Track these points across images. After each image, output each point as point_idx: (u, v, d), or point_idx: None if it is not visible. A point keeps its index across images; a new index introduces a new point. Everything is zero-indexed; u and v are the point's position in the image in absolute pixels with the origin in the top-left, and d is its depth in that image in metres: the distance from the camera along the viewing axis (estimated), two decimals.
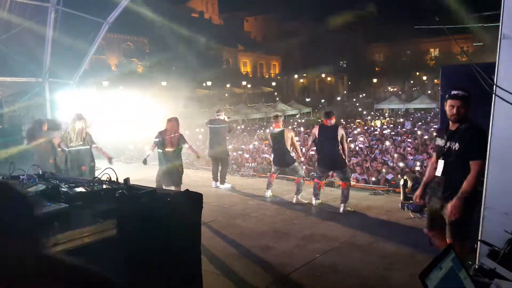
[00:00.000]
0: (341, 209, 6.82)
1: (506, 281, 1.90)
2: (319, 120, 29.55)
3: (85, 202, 2.54)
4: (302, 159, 8.99)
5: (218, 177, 9.01)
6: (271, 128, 8.12)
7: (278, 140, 7.74)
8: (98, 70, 30.25)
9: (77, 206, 2.46)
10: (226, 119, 9.32)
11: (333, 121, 7.10)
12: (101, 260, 2.43)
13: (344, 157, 7.06)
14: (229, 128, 9.33)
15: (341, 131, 7.01)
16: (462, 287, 1.64)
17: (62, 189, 2.73)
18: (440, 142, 3.60)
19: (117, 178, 3.01)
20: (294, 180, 9.59)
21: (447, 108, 3.44)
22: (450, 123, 3.50)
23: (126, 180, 2.85)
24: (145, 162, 7.35)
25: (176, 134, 7.12)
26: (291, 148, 7.92)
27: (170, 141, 7.11)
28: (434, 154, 3.86)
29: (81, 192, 2.64)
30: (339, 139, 6.86)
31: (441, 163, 3.55)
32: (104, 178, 3.08)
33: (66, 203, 2.40)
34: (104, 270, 2.38)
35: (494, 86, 2.86)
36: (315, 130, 7.34)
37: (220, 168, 9.02)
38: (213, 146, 8.98)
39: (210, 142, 9.08)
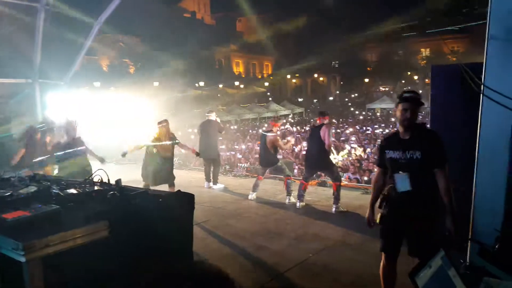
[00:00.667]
0: (333, 210, 6.84)
1: (496, 279, 1.93)
2: (311, 120, 29.70)
3: (76, 203, 2.53)
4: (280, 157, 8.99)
5: (211, 178, 9.00)
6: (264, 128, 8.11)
7: (262, 141, 7.71)
8: (90, 70, 30.05)
9: (69, 207, 2.45)
10: (218, 119, 9.30)
11: (326, 121, 7.03)
12: (93, 261, 2.43)
13: (329, 156, 7.06)
14: (220, 128, 9.30)
15: (324, 129, 6.83)
16: (451, 285, 1.67)
17: (54, 190, 2.72)
18: (393, 154, 3.19)
19: (108, 180, 3.00)
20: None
21: (398, 112, 3.12)
22: (400, 131, 3.18)
23: (118, 181, 2.85)
24: (124, 155, 7.53)
25: (168, 137, 7.11)
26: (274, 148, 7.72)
27: (162, 146, 7.10)
28: (378, 170, 3.52)
29: (72, 193, 2.64)
30: (322, 138, 6.79)
31: (399, 177, 3.13)
32: (96, 179, 3.08)
33: (57, 204, 2.39)
34: (97, 270, 2.38)
35: (482, 86, 2.90)
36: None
37: (212, 168, 9.02)
38: (204, 146, 8.96)
39: (201, 142, 9.06)
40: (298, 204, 7.19)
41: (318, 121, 7.15)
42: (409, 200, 3.12)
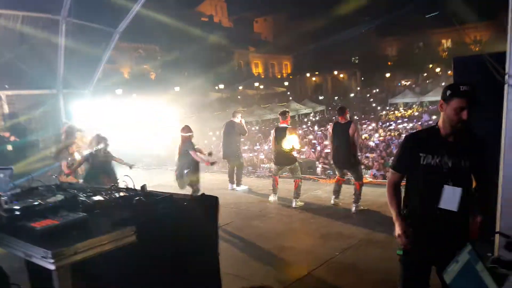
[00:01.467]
0: (353, 209, 6.70)
1: None
2: (333, 118, 29.46)
3: (103, 210, 2.59)
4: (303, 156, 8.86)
5: (234, 179, 9.04)
6: (277, 124, 7.78)
7: (280, 138, 7.38)
8: (111, 78, 30.62)
9: (96, 214, 2.51)
10: (243, 121, 9.28)
11: (347, 116, 6.92)
12: (121, 267, 2.48)
13: (356, 155, 6.91)
14: (242, 131, 9.28)
15: (353, 127, 6.74)
16: (479, 279, 1.63)
17: (80, 198, 2.79)
18: (432, 160, 2.50)
19: (134, 185, 3.05)
20: (309, 180, 9.62)
21: (451, 111, 2.37)
22: (444, 131, 2.48)
23: (143, 186, 2.89)
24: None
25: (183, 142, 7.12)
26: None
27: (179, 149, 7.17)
28: (396, 176, 2.69)
29: (99, 200, 2.69)
30: (351, 136, 6.68)
31: (450, 191, 2.46)
32: (121, 185, 3.14)
33: (84, 212, 2.45)
34: (125, 276, 2.42)
35: (506, 76, 2.83)
36: (330, 129, 7.31)
37: (236, 170, 9.06)
38: (226, 148, 9.04)
39: (223, 144, 9.13)
40: (332, 200, 7.13)
41: (340, 119, 6.95)
42: (449, 222, 2.46)
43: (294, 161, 7.45)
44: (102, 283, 2.28)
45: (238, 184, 9.01)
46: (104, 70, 11.30)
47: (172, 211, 2.59)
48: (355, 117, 30.79)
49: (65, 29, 9.07)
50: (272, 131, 7.65)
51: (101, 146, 6.44)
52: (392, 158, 12.42)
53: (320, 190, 8.34)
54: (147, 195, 2.74)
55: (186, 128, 7.15)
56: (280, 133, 7.35)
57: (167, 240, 2.42)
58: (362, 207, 6.73)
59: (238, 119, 9.08)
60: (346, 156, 6.78)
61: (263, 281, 4.29)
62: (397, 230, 2.65)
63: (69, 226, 2.24)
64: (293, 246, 5.27)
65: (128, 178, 3.11)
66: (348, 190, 8.09)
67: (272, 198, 7.62)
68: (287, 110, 8.06)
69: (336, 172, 7.35)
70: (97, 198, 2.74)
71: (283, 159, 7.40)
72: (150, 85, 32.52)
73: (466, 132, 2.46)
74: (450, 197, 2.44)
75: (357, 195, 6.74)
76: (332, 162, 7.53)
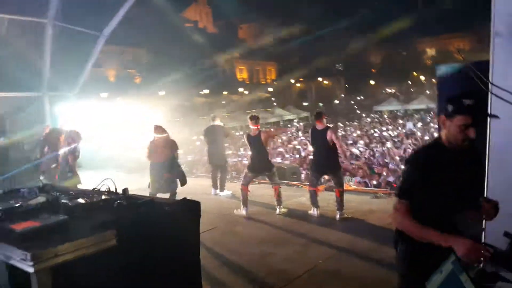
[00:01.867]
0: (337, 217, 6.63)
1: (510, 283, 1.89)
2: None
3: (84, 213, 2.54)
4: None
5: (218, 184, 8.99)
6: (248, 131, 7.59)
7: (256, 143, 7.19)
8: (97, 82, 30.32)
9: (77, 217, 2.46)
10: (222, 124, 9.22)
11: (324, 121, 6.84)
12: (102, 270, 2.43)
13: (338, 159, 6.85)
14: (226, 133, 9.28)
15: (329, 133, 6.61)
16: None
17: (62, 200, 2.73)
18: (442, 179, 2.19)
19: (116, 189, 3.01)
20: (293, 186, 9.62)
21: (455, 128, 2.11)
22: (450, 147, 2.19)
23: (125, 190, 2.85)
24: None
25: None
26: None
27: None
28: (405, 206, 2.19)
29: (80, 203, 2.64)
30: (329, 141, 6.60)
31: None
32: (103, 188, 3.09)
33: (66, 214, 2.40)
34: (106, 279, 2.37)
35: (490, 84, 2.87)
36: (310, 135, 7.25)
37: (219, 175, 9.00)
38: (212, 153, 8.97)
39: (209, 149, 9.06)
40: (314, 211, 6.87)
41: (317, 124, 6.84)
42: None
43: (272, 167, 7.30)
44: (84, 285, 2.23)
45: (222, 189, 8.96)
46: (89, 73, 11.21)
47: (153, 215, 2.56)
48: (339, 123, 31.07)
49: (51, 33, 8.97)
50: (245, 138, 7.49)
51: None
52: (376, 165, 12.53)
53: (304, 196, 8.33)
54: (128, 199, 2.71)
55: (160, 129, 6.92)
56: (255, 139, 7.17)
57: (147, 244, 2.39)
58: (346, 215, 6.67)
59: (218, 122, 9.02)
60: (326, 160, 6.72)
61: None
62: (463, 246, 1.83)
63: (50, 228, 2.20)
64: (276, 253, 5.24)
65: (110, 181, 3.06)
66: (331, 197, 8.13)
67: (242, 212, 7.12)
68: (256, 115, 7.71)
69: (314, 181, 7.07)
70: (79, 201, 2.68)
71: (262, 166, 7.23)
72: (135, 88, 32.29)
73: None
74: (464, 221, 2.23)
75: (339, 202, 6.67)
76: (312, 168, 7.26)
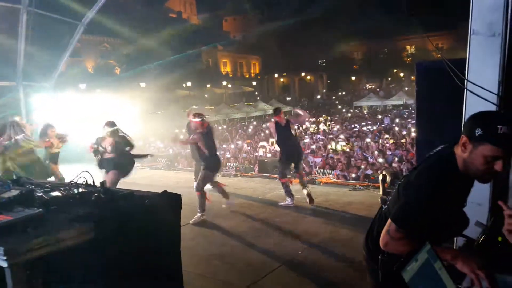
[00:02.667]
0: (283, 203, 7.12)
1: None
2: (272, 119, 29.67)
3: (60, 206, 2.49)
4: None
5: None
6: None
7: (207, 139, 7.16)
8: (75, 72, 29.74)
9: (53, 210, 2.41)
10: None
11: (282, 115, 7.45)
12: (80, 264, 2.40)
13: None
14: None
15: (292, 126, 7.43)
16: (437, 277, 1.67)
17: (37, 194, 2.67)
18: (450, 209, 1.95)
19: (93, 181, 2.96)
20: (274, 179, 9.67)
21: (478, 158, 1.73)
22: (465, 172, 1.83)
23: (103, 183, 2.81)
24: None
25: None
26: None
27: None
28: (404, 233, 1.85)
29: (56, 196, 2.59)
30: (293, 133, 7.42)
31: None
32: (80, 181, 3.03)
33: (41, 207, 2.35)
34: (84, 273, 2.34)
35: (466, 81, 2.93)
36: (273, 129, 7.43)
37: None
38: (194, 147, 8.91)
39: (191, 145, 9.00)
40: (290, 201, 7.10)
41: (278, 118, 7.24)
42: None
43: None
44: (61, 280, 2.19)
45: None
46: (67, 63, 10.96)
47: (133, 207, 2.53)
48: (321, 118, 31.29)
49: (26, 19, 8.71)
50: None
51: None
52: (355, 159, 12.68)
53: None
54: (106, 192, 2.66)
55: (111, 123, 6.54)
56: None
57: (127, 237, 2.36)
58: (309, 190, 7.14)
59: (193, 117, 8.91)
60: (296, 149, 7.35)
61: (226, 279, 4.28)
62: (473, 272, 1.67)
63: (24, 222, 2.14)
64: (256, 244, 5.27)
65: (87, 174, 3.01)
66: (312, 190, 8.21)
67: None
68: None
69: (286, 172, 7.35)
70: (55, 194, 2.63)
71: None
72: (115, 80, 31.76)
73: None
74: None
75: (302, 182, 7.20)
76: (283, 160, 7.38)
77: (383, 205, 2.20)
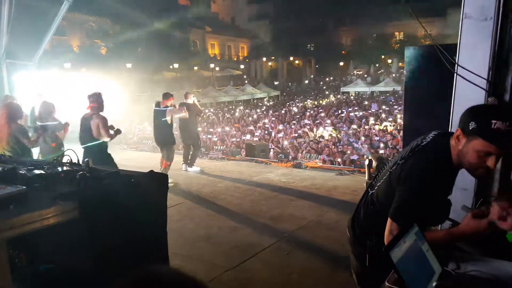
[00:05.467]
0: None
1: (466, 253, 1.97)
2: (289, 104, 29.55)
3: (44, 184, 2.44)
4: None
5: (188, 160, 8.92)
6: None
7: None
8: (60, 51, 29.06)
9: (35, 188, 2.36)
10: (196, 102, 9.09)
11: (169, 102, 7.80)
12: (64, 242, 2.36)
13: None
14: (198, 111, 9.15)
15: (168, 112, 7.64)
16: (424, 259, 1.68)
17: (20, 171, 2.61)
18: (440, 199, 1.95)
19: (78, 160, 2.91)
20: (262, 163, 9.70)
21: (472, 152, 1.71)
22: (457, 164, 1.82)
23: (87, 161, 2.76)
24: None
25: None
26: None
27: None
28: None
29: (39, 174, 2.53)
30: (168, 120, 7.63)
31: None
32: (64, 160, 2.97)
33: (23, 185, 2.29)
34: (68, 250, 2.31)
35: (456, 65, 2.92)
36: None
37: (192, 151, 8.91)
38: (183, 130, 8.86)
39: (180, 126, 8.94)
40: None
41: (162, 104, 7.75)
42: None
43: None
44: (45, 257, 2.16)
45: (191, 165, 8.88)
46: (51, 42, 10.70)
47: (117, 187, 2.49)
48: (308, 101, 31.31)
49: None
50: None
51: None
52: (341, 144, 12.75)
53: (272, 173, 8.42)
54: (91, 170, 2.61)
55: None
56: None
57: (112, 215, 2.33)
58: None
59: (191, 100, 8.87)
60: (164, 135, 7.77)
61: (212, 260, 4.28)
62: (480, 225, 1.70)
63: (6, 199, 2.09)
64: (243, 227, 5.28)
65: (72, 152, 2.94)
66: (298, 174, 8.26)
67: None
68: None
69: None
70: (38, 171, 2.57)
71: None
72: (100, 60, 31.17)
73: None
74: None
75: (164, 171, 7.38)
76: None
77: (369, 189, 2.17)
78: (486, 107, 1.82)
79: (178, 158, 9.46)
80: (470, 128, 1.68)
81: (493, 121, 1.60)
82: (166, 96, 7.92)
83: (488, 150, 1.65)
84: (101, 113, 5.58)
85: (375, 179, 2.15)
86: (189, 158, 8.87)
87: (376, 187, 2.08)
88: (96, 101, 5.49)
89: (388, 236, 1.84)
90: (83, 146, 5.47)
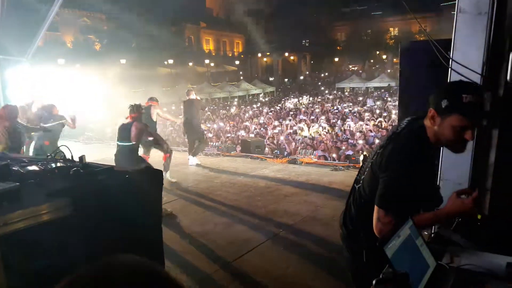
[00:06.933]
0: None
1: (460, 247, 1.98)
2: (283, 99, 29.48)
3: (37, 180, 2.42)
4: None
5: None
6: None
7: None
8: (53, 47, 28.84)
9: (29, 184, 2.34)
10: (198, 97, 9.37)
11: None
12: (59, 238, 2.34)
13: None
14: (202, 106, 9.52)
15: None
16: (418, 253, 1.69)
17: (13, 168, 2.59)
18: (424, 181, 1.89)
19: (72, 156, 2.89)
20: (257, 159, 9.70)
21: (448, 130, 1.76)
22: (435, 142, 1.85)
23: (82, 157, 2.74)
24: None
25: None
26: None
27: None
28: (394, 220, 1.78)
29: (33, 170, 2.52)
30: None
31: None
32: (58, 156, 2.95)
33: (17, 182, 2.28)
34: (63, 248, 2.29)
35: (450, 60, 2.93)
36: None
37: (198, 144, 8.99)
38: (189, 127, 8.91)
39: (185, 123, 9.00)
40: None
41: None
42: None
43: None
44: (39, 254, 2.14)
45: (194, 154, 8.95)
46: (45, 37, 10.61)
47: (112, 183, 2.47)
48: (304, 97, 31.28)
49: None
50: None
51: None
52: (335, 140, 12.76)
53: (267, 169, 8.43)
54: (85, 166, 2.60)
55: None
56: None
57: (106, 211, 2.31)
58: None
59: (193, 96, 9.04)
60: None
61: (208, 256, 4.28)
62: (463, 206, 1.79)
63: None
64: (238, 222, 5.29)
65: (65, 148, 2.92)
66: (293, 169, 8.27)
67: None
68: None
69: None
70: (31, 168, 2.55)
71: None
72: (95, 56, 30.97)
73: None
74: None
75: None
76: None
77: (355, 184, 2.15)
78: (453, 84, 1.85)
79: (174, 154, 9.45)
80: (444, 106, 1.72)
81: (464, 96, 1.66)
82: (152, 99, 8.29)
83: (464, 124, 1.71)
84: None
85: (359, 173, 2.15)
86: (195, 149, 8.99)
87: (361, 181, 2.08)
88: (137, 111, 6.06)
89: (376, 223, 1.84)
90: (120, 143, 5.90)
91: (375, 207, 1.85)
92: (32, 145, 7.30)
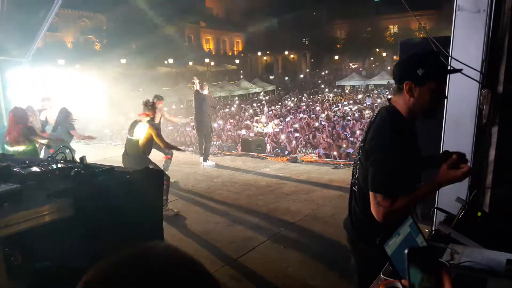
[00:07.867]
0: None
1: (460, 244, 1.99)
2: (284, 98, 29.43)
3: (38, 181, 2.43)
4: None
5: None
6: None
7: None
8: (53, 48, 28.87)
9: (30, 186, 2.35)
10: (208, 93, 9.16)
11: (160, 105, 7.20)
12: (60, 239, 2.36)
13: None
14: (214, 103, 9.26)
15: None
16: None
17: (14, 169, 2.60)
18: (408, 157, 1.94)
19: (73, 157, 2.89)
20: (257, 157, 9.70)
21: (427, 96, 1.82)
22: (409, 117, 1.92)
23: (82, 158, 2.75)
24: None
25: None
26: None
27: None
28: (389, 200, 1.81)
29: (34, 171, 2.52)
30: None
31: None
32: (59, 157, 2.96)
33: (18, 183, 2.28)
34: (65, 248, 2.30)
35: (450, 57, 2.93)
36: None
37: (204, 144, 8.91)
38: (197, 122, 8.83)
39: (195, 118, 8.90)
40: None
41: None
42: None
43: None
44: (41, 254, 2.15)
45: (205, 159, 8.85)
46: (45, 38, 10.61)
47: (113, 183, 2.48)
48: (302, 97, 31.25)
49: None
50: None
51: None
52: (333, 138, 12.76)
53: (268, 167, 8.43)
54: (86, 167, 2.61)
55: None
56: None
57: (107, 211, 2.32)
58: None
59: (206, 91, 8.91)
60: None
61: (210, 255, 4.29)
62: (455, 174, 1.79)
63: (0, 197, 2.08)
64: (240, 222, 5.29)
65: (66, 150, 2.93)
66: (294, 168, 8.28)
67: None
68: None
69: None
70: (32, 169, 2.56)
71: None
72: (94, 56, 30.97)
73: None
74: None
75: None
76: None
77: (353, 187, 2.14)
78: (417, 54, 1.86)
79: (176, 154, 9.45)
80: (420, 75, 1.78)
81: (435, 60, 1.81)
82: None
83: (441, 87, 1.83)
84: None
85: (353, 174, 2.16)
86: (203, 152, 8.88)
87: (357, 180, 2.08)
88: (152, 109, 5.69)
89: (377, 209, 1.83)
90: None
91: (370, 193, 1.86)
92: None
